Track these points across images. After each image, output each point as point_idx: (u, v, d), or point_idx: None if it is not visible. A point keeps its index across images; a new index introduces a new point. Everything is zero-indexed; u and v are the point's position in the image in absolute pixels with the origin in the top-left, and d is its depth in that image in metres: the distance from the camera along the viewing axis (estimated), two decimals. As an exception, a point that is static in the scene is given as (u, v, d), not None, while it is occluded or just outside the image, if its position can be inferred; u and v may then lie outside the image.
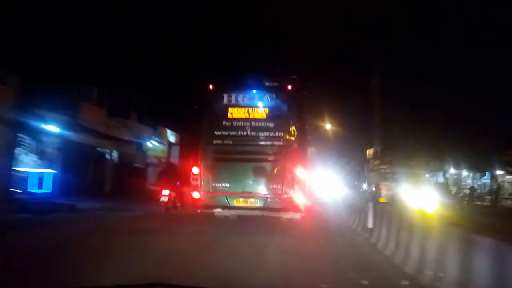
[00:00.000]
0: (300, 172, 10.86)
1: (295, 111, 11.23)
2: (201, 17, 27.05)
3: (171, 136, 29.54)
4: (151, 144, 27.05)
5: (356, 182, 37.83)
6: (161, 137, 28.05)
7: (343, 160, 39.28)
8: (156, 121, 26.75)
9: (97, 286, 4.93)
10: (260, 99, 11.25)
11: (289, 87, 11.29)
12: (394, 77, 25.33)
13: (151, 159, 26.91)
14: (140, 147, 25.27)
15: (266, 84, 11.46)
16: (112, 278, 5.41)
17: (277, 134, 10.98)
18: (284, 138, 10.95)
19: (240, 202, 10.83)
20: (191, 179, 10.98)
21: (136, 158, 24.86)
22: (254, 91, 11.26)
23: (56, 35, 15.73)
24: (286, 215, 11.22)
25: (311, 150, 12.88)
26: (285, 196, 10.75)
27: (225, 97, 11.22)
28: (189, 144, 11.34)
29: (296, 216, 11.11)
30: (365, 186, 31.15)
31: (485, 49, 23.17)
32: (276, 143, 10.97)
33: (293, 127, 11.08)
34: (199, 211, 11.07)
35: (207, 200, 10.88)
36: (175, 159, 28.12)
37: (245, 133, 10.98)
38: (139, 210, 14.85)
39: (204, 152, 11.02)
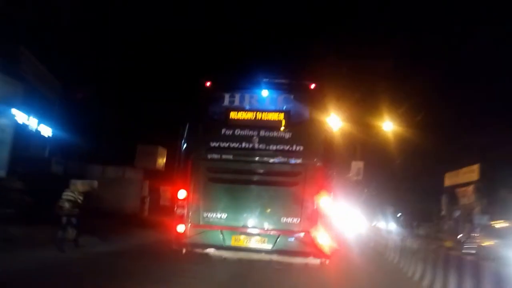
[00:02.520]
0: (325, 201, 8.08)
1: (321, 118, 8.51)
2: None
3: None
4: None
5: (400, 215, 34.47)
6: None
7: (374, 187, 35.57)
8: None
9: None
10: (273, 101, 8.49)
11: (313, 86, 8.64)
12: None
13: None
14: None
15: (282, 81, 8.73)
16: None
17: (294, 148, 8.16)
18: (304, 154, 8.12)
19: (240, 241, 7.93)
20: (175, 206, 8.14)
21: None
22: (265, 90, 8.55)
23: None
24: (304, 261, 8.37)
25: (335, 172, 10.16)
26: (305, 234, 7.95)
27: (226, 97, 8.46)
28: (175, 158, 8.55)
29: (315, 261, 8.27)
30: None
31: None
32: (292, 160, 8.14)
33: (318, 140, 8.41)
34: (183, 251, 8.18)
35: (195, 236, 7.98)
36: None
37: (251, 146, 8.17)
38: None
39: (195, 169, 8.15)
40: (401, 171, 34.76)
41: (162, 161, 27.85)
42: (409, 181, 34.92)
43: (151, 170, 26.46)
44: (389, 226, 32.35)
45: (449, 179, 32.89)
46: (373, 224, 34.52)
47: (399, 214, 32.91)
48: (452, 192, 33.52)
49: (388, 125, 22.46)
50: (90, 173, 21.90)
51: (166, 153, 28.05)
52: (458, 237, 28.48)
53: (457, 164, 30.50)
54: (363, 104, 24.10)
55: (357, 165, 25.61)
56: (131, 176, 25.29)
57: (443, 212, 34.60)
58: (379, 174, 33.68)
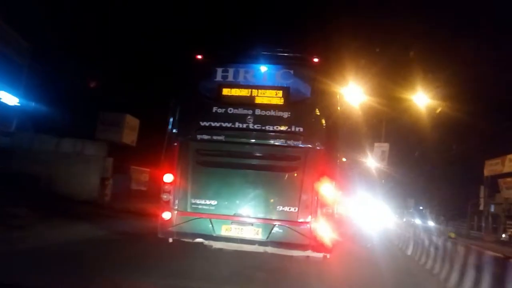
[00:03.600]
0: (327, 189, 7.41)
1: (324, 97, 7.76)
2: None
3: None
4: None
5: (421, 208, 31.88)
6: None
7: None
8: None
9: None
10: (271, 76, 7.75)
11: (316, 60, 7.91)
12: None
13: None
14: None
15: (281, 55, 7.93)
16: None
17: (293, 129, 7.45)
18: (305, 136, 7.42)
19: (231, 230, 7.32)
20: (161, 191, 7.67)
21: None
22: (263, 64, 7.84)
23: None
24: (302, 254, 7.75)
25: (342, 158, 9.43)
26: (303, 225, 7.35)
27: (219, 72, 7.78)
28: (160, 139, 8.04)
29: (315, 255, 7.64)
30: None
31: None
32: (291, 143, 7.44)
33: (320, 121, 7.73)
34: (170, 240, 7.72)
35: (182, 225, 7.44)
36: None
37: (245, 126, 7.50)
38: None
39: (183, 151, 7.56)
40: (433, 156, 31.06)
41: (132, 134, 22.09)
42: (441, 168, 31.48)
43: (117, 145, 20.95)
44: (416, 221, 30.27)
45: (490, 167, 29.56)
46: (404, 220, 32.45)
47: (421, 207, 29.54)
48: (494, 183, 31.04)
49: (420, 98, 19.12)
50: (40, 146, 18.69)
51: (138, 125, 22.44)
52: (502, 237, 26.21)
53: (502, 149, 26.99)
54: (390, 73, 20.42)
55: (381, 148, 22.58)
56: (92, 151, 19.86)
57: (481, 207, 32.42)
58: (407, 158, 30.13)
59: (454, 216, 34.71)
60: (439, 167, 31.85)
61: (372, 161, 23.74)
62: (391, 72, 20.56)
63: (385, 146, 22.74)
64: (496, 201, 30.93)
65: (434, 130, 25.91)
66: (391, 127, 23.88)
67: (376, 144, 22.91)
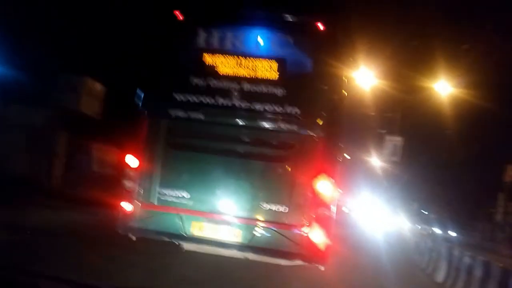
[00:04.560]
0: (325, 187, 6.06)
1: (329, 74, 6.28)
2: None
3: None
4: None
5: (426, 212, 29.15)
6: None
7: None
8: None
9: None
10: (266, 44, 6.34)
11: (322, 27, 6.51)
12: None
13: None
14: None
15: (280, 18, 6.48)
16: None
17: (288, 110, 6.09)
18: (301, 119, 6.09)
19: (204, 230, 6.04)
20: (122, 177, 6.38)
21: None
22: (256, 28, 6.43)
23: None
24: (290, 264, 6.42)
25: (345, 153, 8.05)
26: (293, 228, 6.00)
27: (201, 34, 6.38)
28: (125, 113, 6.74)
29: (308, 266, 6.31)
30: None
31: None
32: (285, 126, 6.10)
33: (322, 103, 6.35)
34: (132, 237, 6.41)
35: (146, 220, 6.17)
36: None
37: (230, 103, 6.18)
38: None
39: (152, 130, 6.26)
40: (447, 156, 28.14)
41: (95, 103, 17.57)
42: (455, 170, 28.85)
43: (76, 117, 16.79)
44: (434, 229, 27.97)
45: None
46: (419, 227, 30.32)
47: (425, 212, 26.48)
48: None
49: (442, 87, 16.73)
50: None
51: (103, 93, 17.91)
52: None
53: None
54: (407, 56, 17.64)
55: (393, 141, 20.32)
56: (40, 121, 16.01)
57: (498, 216, 30.42)
58: (420, 155, 27.24)
59: (463, 223, 32.61)
60: (453, 168, 29.24)
61: (382, 156, 21.56)
62: (410, 56, 17.86)
63: (398, 140, 20.62)
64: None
65: (455, 124, 23.14)
66: (406, 120, 21.57)
67: (388, 137, 20.75)
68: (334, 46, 6.44)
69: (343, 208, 26.58)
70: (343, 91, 6.81)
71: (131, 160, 6.21)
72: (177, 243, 6.30)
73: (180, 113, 6.26)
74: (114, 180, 7.56)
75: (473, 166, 28.10)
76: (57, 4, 16.35)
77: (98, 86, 17.59)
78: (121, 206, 6.19)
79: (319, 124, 6.14)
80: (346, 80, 7.28)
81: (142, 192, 6.15)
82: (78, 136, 16.89)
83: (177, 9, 6.50)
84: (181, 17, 6.54)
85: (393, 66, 16.57)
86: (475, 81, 17.86)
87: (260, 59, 6.31)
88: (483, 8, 17.59)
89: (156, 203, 6.13)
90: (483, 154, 26.95)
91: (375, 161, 23.16)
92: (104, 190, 11.39)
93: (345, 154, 8.71)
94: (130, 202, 6.15)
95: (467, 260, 8.70)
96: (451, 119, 21.67)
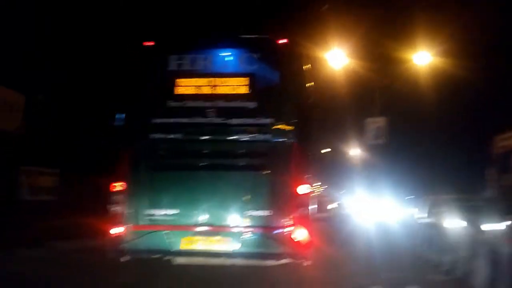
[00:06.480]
0: (302, 188, 6.44)
1: (296, 82, 6.78)
2: None
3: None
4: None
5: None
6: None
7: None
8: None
9: None
10: (234, 62, 6.80)
11: (284, 41, 6.94)
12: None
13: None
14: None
15: (244, 38, 7.09)
16: None
17: (261, 121, 6.54)
18: (274, 129, 6.54)
19: (193, 244, 6.39)
20: (109, 203, 6.75)
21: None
22: (223, 50, 6.86)
23: None
24: (277, 263, 6.85)
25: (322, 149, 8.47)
26: (278, 230, 6.40)
27: (173, 60, 6.80)
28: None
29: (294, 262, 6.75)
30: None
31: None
32: (260, 137, 6.54)
33: (292, 110, 6.77)
34: (121, 259, 6.81)
35: (135, 241, 6.39)
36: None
37: (206, 121, 6.60)
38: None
39: (132, 154, 6.61)
40: (432, 131, 26.33)
41: (13, 117, 12.49)
42: (441, 147, 26.83)
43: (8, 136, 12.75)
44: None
45: (502, 143, 27.02)
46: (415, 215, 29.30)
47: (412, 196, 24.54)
48: (506, 163, 28.37)
49: (422, 57, 15.82)
50: None
51: (23, 103, 13.01)
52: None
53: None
54: (382, 28, 16.55)
55: (375, 123, 18.65)
56: None
57: (491, 191, 30.23)
58: (405, 134, 25.06)
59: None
60: (439, 146, 27.41)
61: (366, 141, 19.98)
62: (384, 27, 16.91)
63: (381, 120, 18.88)
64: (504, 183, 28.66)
65: (436, 98, 21.41)
66: (386, 98, 19.86)
67: (368, 120, 19.07)
68: (296, 56, 6.92)
69: (331, 205, 26.62)
70: (312, 94, 7.27)
71: (114, 186, 6.56)
72: (167, 259, 6.67)
73: (158, 135, 6.64)
74: (56, 207, 7.32)
75: (460, 141, 26.10)
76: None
77: (13, 96, 13.15)
78: (109, 231, 6.53)
79: (291, 130, 6.57)
80: (314, 82, 7.75)
81: (128, 215, 6.49)
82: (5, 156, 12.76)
83: (147, 37, 6.90)
84: (151, 45, 6.94)
85: (368, 42, 16.10)
86: (458, 49, 17.00)
87: (230, 76, 6.73)
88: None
89: (142, 223, 6.47)
90: (471, 126, 25.52)
91: (360, 147, 22.41)
92: (35, 222, 9.96)
93: (323, 151, 9.11)
94: (118, 225, 6.49)
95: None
96: (433, 92, 20.42)
